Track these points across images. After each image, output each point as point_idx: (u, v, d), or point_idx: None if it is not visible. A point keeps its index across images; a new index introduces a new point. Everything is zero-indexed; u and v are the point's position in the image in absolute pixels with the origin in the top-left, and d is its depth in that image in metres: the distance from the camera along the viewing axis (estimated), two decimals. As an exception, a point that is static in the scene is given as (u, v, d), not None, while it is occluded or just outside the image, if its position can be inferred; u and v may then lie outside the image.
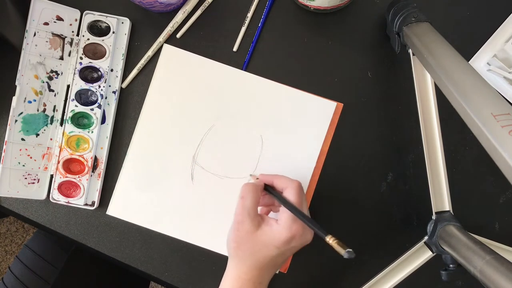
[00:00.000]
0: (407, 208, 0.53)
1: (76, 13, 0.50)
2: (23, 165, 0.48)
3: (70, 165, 0.51)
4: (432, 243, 0.44)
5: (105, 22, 0.50)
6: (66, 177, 0.50)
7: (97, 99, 0.50)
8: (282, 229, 0.40)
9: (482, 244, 0.37)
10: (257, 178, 0.46)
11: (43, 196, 0.50)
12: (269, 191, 0.45)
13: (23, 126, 0.48)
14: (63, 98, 0.51)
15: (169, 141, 0.52)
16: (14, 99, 0.47)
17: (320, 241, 0.52)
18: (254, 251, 0.40)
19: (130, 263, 0.52)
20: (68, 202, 0.50)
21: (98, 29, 0.51)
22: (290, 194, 0.42)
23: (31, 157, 0.49)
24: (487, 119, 0.30)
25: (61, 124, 0.50)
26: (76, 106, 0.50)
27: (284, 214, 0.40)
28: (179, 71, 0.51)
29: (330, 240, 0.36)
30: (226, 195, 0.51)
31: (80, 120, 0.51)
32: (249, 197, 0.41)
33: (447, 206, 0.45)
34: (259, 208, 0.45)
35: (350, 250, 0.35)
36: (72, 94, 0.50)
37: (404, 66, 0.52)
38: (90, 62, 0.50)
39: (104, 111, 0.51)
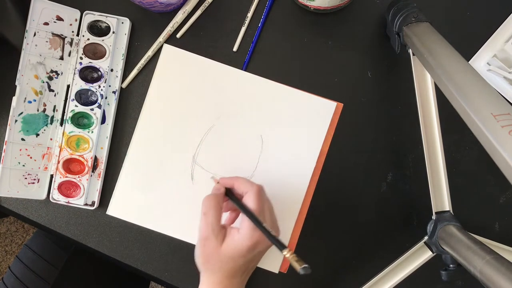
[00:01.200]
0: (407, 208, 0.53)
1: (76, 13, 0.50)
2: (23, 165, 0.48)
3: (70, 165, 0.51)
4: (432, 243, 0.44)
5: (105, 22, 0.50)
6: (66, 177, 0.50)
7: (97, 99, 0.50)
8: (243, 238, 0.40)
9: (482, 244, 0.37)
10: (218, 182, 0.46)
11: (43, 196, 0.50)
12: (229, 197, 0.44)
13: (23, 126, 0.48)
14: (63, 98, 0.51)
15: (169, 141, 0.52)
16: (14, 99, 0.47)
17: (320, 242, 0.53)
18: (222, 264, 0.41)
19: (130, 263, 0.52)
20: (68, 202, 0.50)
21: (98, 29, 0.51)
22: (249, 200, 0.42)
23: (31, 157, 0.49)
24: (487, 119, 0.30)
25: (61, 124, 0.50)
26: (76, 106, 0.50)
27: (244, 222, 0.41)
28: (179, 71, 0.51)
29: (287, 254, 0.37)
30: (226, 195, 0.51)
31: (80, 120, 0.51)
32: (211, 213, 0.42)
33: (447, 206, 0.45)
34: (225, 215, 0.45)
35: (306, 266, 0.35)
36: (72, 94, 0.50)
37: (404, 66, 0.51)
38: (90, 62, 0.50)
39: (104, 111, 0.51)
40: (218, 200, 0.43)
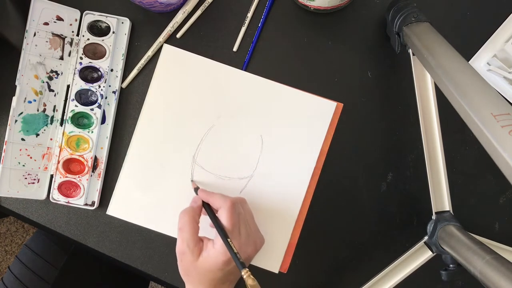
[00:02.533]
0: (407, 208, 0.53)
1: (76, 13, 0.50)
2: (23, 165, 0.48)
3: (70, 165, 0.51)
4: (432, 243, 0.44)
5: (105, 22, 0.50)
6: (66, 177, 0.50)
7: (97, 99, 0.50)
8: (218, 254, 0.41)
9: (482, 244, 0.37)
10: (197, 187, 0.47)
11: (43, 196, 0.50)
12: (206, 210, 0.45)
13: (23, 126, 0.48)
14: (63, 98, 0.51)
15: (169, 141, 0.52)
16: (14, 99, 0.47)
17: (320, 242, 0.53)
18: (202, 277, 0.42)
19: (130, 263, 0.52)
20: (68, 202, 0.50)
21: (98, 29, 0.51)
22: (222, 216, 0.43)
23: (31, 157, 0.49)
24: (487, 119, 0.30)
25: (61, 124, 0.50)
26: (76, 106, 0.50)
27: (218, 237, 0.41)
28: (179, 71, 0.51)
29: (244, 275, 0.38)
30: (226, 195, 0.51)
31: (80, 120, 0.51)
32: (186, 228, 0.43)
33: (447, 206, 0.45)
34: (202, 227, 0.45)
35: None
36: (72, 94, 0.50)
37: (404, 66, 0.52)
38: (90, 62, 0.50)
39: (104, 111, 0.51)
40: (194, 214, 0.44)
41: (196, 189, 0.48)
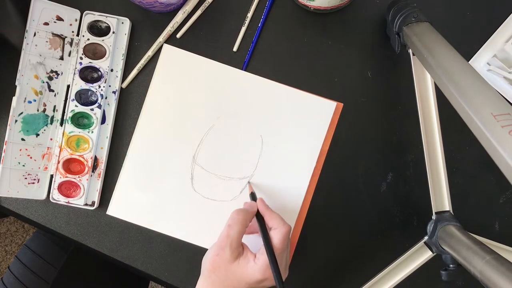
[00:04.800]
0: (407, 208, 0.53)
1: (76, 13, 0.50)
2: (23, 165, 0.48)
3: (70, 165, 0.51)
4: (432, 243, 0.44)
5: (105, 22, 0.50)
6: (66, 177, 0.50)
7: (97, 99, 0.50)
8: (257, 269, 0.40)
9: (482, 244, 0.37)
10: (253, 193, 0.46)
11: (43, 196, 0.50)
12: (258, 221, 0.44)
13: (23, 126, 0.48)
14: (63, 98, 0.51)
15: (169, 141, 0.52)
16: (14, 99, 0.47)
17: (320, 242, 0.52)
18: (226, 281, 0.41)
19: (130, 263, 0.52)
20: (68, 202, 0.50)
21: (98, 29, 0.51)
22: (276, 237, 0.42)
23: (31, 157, 0.49)
24: (487, 119, 0.30)
25: (61, 124, 0.50)
26: (76, 106, 0.50)
27: (264, 255, 0.41)
28: (179, 71, 0.51)
29: None
30: (226, 195, 0.51)
31: (80, 120, 0.51)
32: (236, 227, 0.42)
33: (447, 206, 0.45)
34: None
35: None
36: (72, 94, 0.50)
37: (404, 66, 0.52)
38: (90, 62, 0.50)
39: (104, 111, 0.51)
40: (247, 218, 0.43)
41: (252, 195, 0.48)
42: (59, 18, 0.49)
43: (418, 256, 0.46)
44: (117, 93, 0.51)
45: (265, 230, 0.43)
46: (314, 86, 0.52)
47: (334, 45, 0.52)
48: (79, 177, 0.50)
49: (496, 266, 0.33)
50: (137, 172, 0.52)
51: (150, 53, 0.51)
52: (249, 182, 0.50)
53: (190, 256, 0.52)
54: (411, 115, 0.52)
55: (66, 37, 0.50)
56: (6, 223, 1.26)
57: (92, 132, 0.50)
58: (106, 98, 0.51)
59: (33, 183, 0.49)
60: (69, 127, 0.50)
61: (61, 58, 0.50)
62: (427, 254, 0.46)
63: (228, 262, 0.41)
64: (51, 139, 0.50)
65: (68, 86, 0.50)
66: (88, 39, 0.50)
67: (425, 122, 0.46)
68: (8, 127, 0.47)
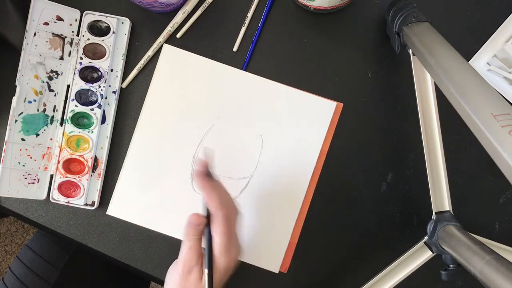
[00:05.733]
0: (407, 208, 0.53)
1: (76, 13, 0.50)
2: (23, 165, 0.48)
3: (70, 165, 0.51)
4: (432, 243, 0.44)
5: (105, 22, 0.50)
6: (66, 177, 0.50)
7: (97, 99, 0.50)
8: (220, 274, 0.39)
9: (482, 244, 0.37)
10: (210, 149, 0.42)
11: (43, 196, 0.50)
12: (205, 238, 0.40)
13: (23, 126, 0.48)
14: (63, 98, 0.51)
15: (169, 141, 0.52)
16: (14, 99, 0.47)
17: (320, 242, 0.52)
18: None
19: (130, 263, 0.52)
20: (68, 202, 0.50)
21: (98, 29, 0.51)
22: (215, 239, 0.39)
23: (31, 157, 0.49)
24: (487, 119, 0.30)
25: (61, 124, 0.50)
26: (76, 106, 0.50)
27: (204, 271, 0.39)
28: (179, 71, 0.51)
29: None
30: (226, 195, 0.51)
31: (80, 120, 0.51)
32: (197, 241, 0.40)
33: (447, 206, 0.45)
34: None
35: None
36: (72, 94, 0.50)
37: (404, 66, 0.52)
38: (90, 62, 0.50)
39: (104, 111, 0.51)
40: (201, 231, 0.40)
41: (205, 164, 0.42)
42: (59, 18, 0.49)
43: (418, 256, 0.46)
44: (117, 93, 0.51)
45: (210, 238, 0.40)
46: (314, 86, 0.52)
47: (334, 45, 0.52)
48: (79, 177, 0.50)
49: (496, 266, 0.33)
50: (137, 172, 0.52)
51: (150, 53, 0.51)
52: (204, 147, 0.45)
53: (190, 256, 0.52)
54: (411, 115, 0.52)
55: (66, 37, 0.50)
56: (6, 223, 1.26)
57: (92, 132, 0.50)
58: (106, 98, 0.51)
59: (33, 183, 0.49)
60: (69, 127, 0.50)
61: (61, 58, 0.50)
62: (427, 254, 0.46)
63: (199, 281, 0.39)
64: (51, 139, 0.50)
65: (68, 86, 0.50)
66: (88, 39, 0.50)
67: (425, 122, 0.46)
68: (8, 127, 0.47)
